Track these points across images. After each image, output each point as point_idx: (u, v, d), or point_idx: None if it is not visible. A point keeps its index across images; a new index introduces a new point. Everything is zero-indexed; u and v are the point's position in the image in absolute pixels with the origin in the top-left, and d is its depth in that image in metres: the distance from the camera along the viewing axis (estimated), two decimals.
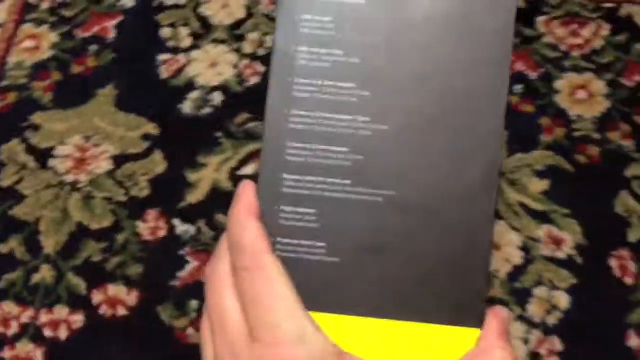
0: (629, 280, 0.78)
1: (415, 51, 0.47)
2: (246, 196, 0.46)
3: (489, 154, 0.48)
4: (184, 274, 0.80)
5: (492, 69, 0.47)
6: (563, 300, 0.77)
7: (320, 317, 0.46)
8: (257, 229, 0.45)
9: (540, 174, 0.84)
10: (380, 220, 0.48)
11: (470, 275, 0.49)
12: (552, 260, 0.80)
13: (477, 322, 0.47)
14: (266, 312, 0.43)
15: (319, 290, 0.48)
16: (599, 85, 0.89)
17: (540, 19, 0.95)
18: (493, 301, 0.76)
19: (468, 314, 0.48)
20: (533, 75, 0.90)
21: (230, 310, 0.44)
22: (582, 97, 0.89)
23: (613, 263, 0.79)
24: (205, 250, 0.81)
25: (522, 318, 0.77)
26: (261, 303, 0.43)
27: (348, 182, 0.48)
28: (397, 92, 0.48)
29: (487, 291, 0.48)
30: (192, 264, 0.81)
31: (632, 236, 0.81)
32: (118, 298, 0.79)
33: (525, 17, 0.95)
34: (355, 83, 0.48)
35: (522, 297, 0.78)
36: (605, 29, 0.94)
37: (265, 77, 0.91)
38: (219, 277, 0.45)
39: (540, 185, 0.83)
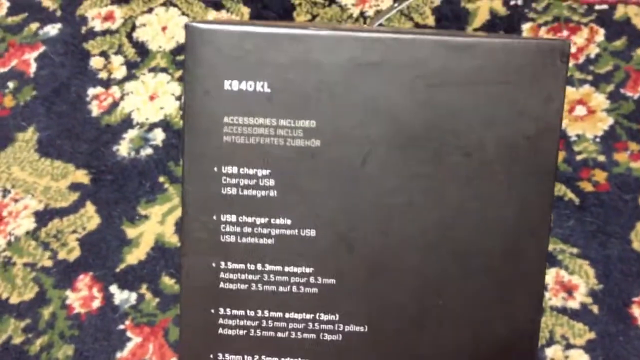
0: None
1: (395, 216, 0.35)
2: None
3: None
4: (124, 354, 0.69)
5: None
6: None
7: None
8: None
9: None
10: None
11: None
12: (563, 311, 0.69)
13: None
14: None
15: None
16: (599, 99, 0.79)
17: (526, 26, 0.85)
18: None
19: None
20: None
21: None
22: (581, 114, 0.79)
23: (635, 311, 0.69)
24: (150, 322, 0.69)
25: None
26: None
27: None
28: (367, 279, 0.36)
29: None
30: (134, 341, 0.69)
31: None
32: None
33: (508, 25, 0.85)
34: (313, 267, 0.35)
35: None
36: (600, 34, 0.84)
37: None
38: None
39: None
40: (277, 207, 0.34)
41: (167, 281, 0.71)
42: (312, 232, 0.34)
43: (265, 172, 0.33)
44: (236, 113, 0.33)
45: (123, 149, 0.79)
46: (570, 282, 0.70)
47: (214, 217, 0.34)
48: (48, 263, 0.73)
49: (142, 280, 0.72)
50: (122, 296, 0.71)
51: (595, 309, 0.69)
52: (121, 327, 0.70)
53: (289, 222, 0.34)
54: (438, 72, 0.32)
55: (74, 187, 0.77)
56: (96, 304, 0.71)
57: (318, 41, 0.33)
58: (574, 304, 0.69)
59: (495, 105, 0.33)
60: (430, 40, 0.32)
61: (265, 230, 0.34)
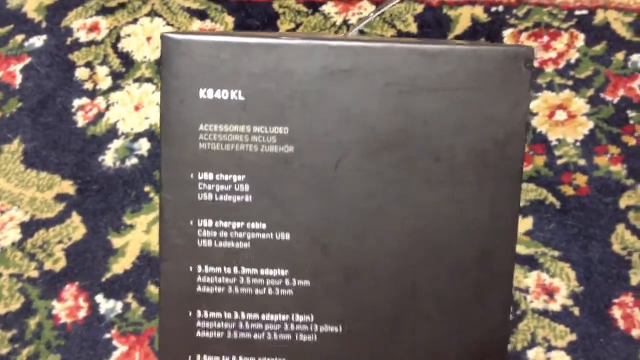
0: (636, 332, 0.67)
1: (367, 219, 0.35)
2: None
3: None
4: None
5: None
6: None
7: None
8: None
9: (523, 211, 0.73)
10: None
11: None
12: (545, 313, 0.68)
13: None
14: None
15: None
16: (579, 104, 0.79)
17: (507, 32, 0.84)
18: None
19: None
20: None
21: None
22: (562, 119, 0.78)
23: (616, 312, 0.68)
24: (136, 331, 0.69)
25: None
26: None
27: None
28: (342, 281, 0.36)
29: None
30: (120, 349, 0.69)
31: (635, 278, 0.70)
32: None
33: (489, 32, 0.85)
34: (288, 269, 0.35)
35: None
36: (580, 39, 0.83)
37: None
38: None
39: (523, 224, 0.72)
40: (252, 212, 0.34)
41: (153, 290, 0.71)
42: (287, 236, 0.34)
43: (240, 177, 0.33)
44: (211, 121, 0.33)
45: (108, 159, 0.78)
46: (552, 284, 0.70)
47: (191, 223, 0.34)
48: (34, 274, 0.72)
49: (128, 290, 0.71)
50: (108, 305, 0.70)
51: (576, 311, 0.69)
52: (107, 336, 0.69)
53: (264, 226, 0.34)
54: (409, 78, 0.33)
55: (60, 197, 0.76)
56: (82, 313, 0.70)
57: (290, 50, 0.33)
58: (555, 307, 0.69)
59: (464, 111, 0.33)
60: (401, 48, 0.33)
61: (241, 235, 0.34)
